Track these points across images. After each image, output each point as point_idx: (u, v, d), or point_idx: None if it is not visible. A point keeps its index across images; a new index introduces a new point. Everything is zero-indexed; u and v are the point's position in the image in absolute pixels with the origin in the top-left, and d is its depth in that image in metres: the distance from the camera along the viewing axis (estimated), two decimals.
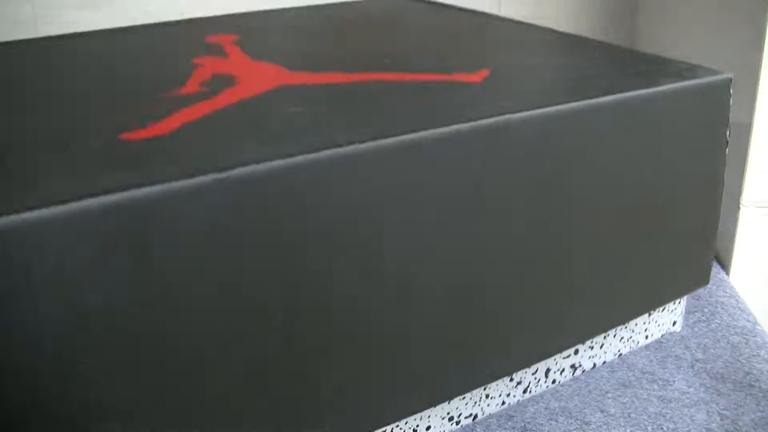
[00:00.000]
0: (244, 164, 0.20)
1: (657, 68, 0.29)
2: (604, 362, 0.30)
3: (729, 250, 0.50)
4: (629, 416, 0.35)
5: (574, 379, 0.34)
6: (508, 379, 0.27)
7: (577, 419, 0.34)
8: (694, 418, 0.35)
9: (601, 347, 0.30)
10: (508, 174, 0.23)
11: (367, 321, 0.22)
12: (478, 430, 0.30)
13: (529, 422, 0.33)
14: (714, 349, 0.41)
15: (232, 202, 0.19)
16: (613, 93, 0.25)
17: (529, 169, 0.24)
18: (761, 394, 0.37)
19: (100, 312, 0.18)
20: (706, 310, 0.45)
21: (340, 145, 0.21)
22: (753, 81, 0.47)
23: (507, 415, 0.33)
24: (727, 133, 0.29)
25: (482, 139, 0.23)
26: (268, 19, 0.40)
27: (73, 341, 0.18)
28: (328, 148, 0.20)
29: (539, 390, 0.28)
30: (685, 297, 0.31)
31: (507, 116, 0.23)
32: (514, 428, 0.33)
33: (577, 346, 0.28)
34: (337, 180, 0.21)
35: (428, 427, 0.25)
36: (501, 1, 0.85)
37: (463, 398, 0.25)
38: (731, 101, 0.29)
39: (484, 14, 0.40)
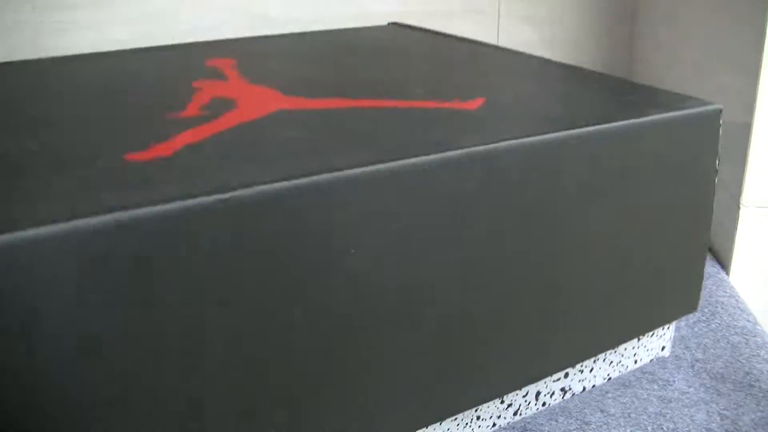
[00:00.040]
0: (245, 186, 0.20)
1: (648, 98, 0.30)
2: (594, 386, 0.30)
3: (729, 250, 0.50)
4: (629, 416, 0.35)
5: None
6: (499, 401, 0.27)
7: (577, 419, 0.34)
8: (694, 418, 0.35)
9: (590, 371, 0.30)
10: (500, 199, 0.24)
11: (360, 342, 0.23)
12: None
13: (529, 422, 0.33)
14: (714, 349, 0.41)
15: (233, 222, 0.20)
16: (604, 122, 0.26)
17: (520, 195, 0.24)
18: (761, 394, 0.37)
19: (101, 328, 0.19)
20: (706, 310, 0.45)
21: (338, 169, 0.21)
22: (753, 81, 0.47)
23: None
24: (717, 162, 0.30)
25: (475, 166, 0.23)
26: (266, 45, 0.41)
27: (73, 358, 0.18)
28: (325, 171, 0.21)
29: (530, 412, 0.28)
30: (674, 322, 0.31)
31: (500, 144, 0.24)
32: (514, 428, 0.33)
33: (567, 370, 0.28)
34: (334, 202, 0.21)
35: None
36: (501, 2, 0.85)
37: (455, 419, 0.25)
38: (720, 131, 0.29)
39: (479, 43, 0.41)
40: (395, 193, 0.22)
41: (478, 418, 0.27)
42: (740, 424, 0.34)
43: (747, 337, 0.42)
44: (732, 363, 0.39)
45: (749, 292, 0.50)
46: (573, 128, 0.25)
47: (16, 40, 0.86)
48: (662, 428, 0.34)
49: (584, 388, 0.30)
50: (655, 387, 0.37)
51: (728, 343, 0.41)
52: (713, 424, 0.34)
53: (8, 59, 0.88)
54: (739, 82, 0.50)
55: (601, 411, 0.35)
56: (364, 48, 0.40)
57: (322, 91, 0.30)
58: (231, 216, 0.20)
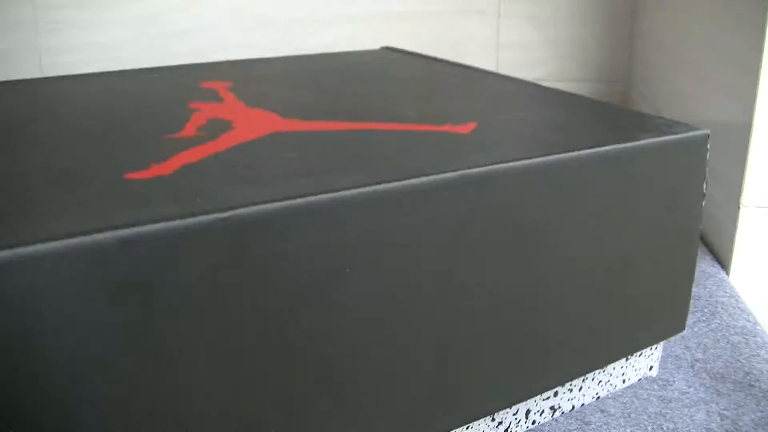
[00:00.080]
0: (244, 205, 0.20)
1: (636, 123, 0.30)
2: (583, 404, 0.31)
3: (729, 250, 0.50)
4: (629, 416, 0.35)
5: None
6: (490, 418, 0.27)
7: (577, 419, 0.34)
8: (694, 418, 0.35)
9: (579, 390, 0.31)
10: (491, 221, 0.25)
11: (353, 360, 0.23)
12: None
13: None
14: (714, 349, 0.41)
15: (232, 241, 0.20)
16: (594, 147, 0.27)
17: (512, 217, 0.25)
18: (761, 394, 0.37)
19: (101, 344, 0.19)
20: (706, 310, 0.45)
21: (334, 190, 0.22)
22: (753, 81, 0.47)
23: None
24: (704, 186, 0.30)
25: (467, 188, 0.24)
26: (261, 68, 0.42)
27: (73, 373, 0.19)
28: (322, 192, 0.21)
29: (520, 430, 0.29)
30: (662, 343, 0.32)
31: (492, 167, 0.24)
32: None
33: (556, 389, 0.29)
34: (330, 223, 0.22)
35: None
36: (501, 2, 0.85)
37: None
38: (708, 153, 0.30)
39: (471, 68, 0.42)
40: (389, 214, 0.23)
41: None
42: (740, 424, 0.34)
43: (747, 337, 0.42)
44: (732, 363, 0.39)
45: (749, 292, 0.50)
46: (564, 152, 0.26)
47: (16, 40, 0.86)
48: (662, 428, 0.34)
49: (573, 407, 0.31)
50: (655, 387, 0.37)
51: (728, 343, 0.41)
52: (713, 424, 0.34)
53: (8, 59, 0.88)
54: (739, 82, 0.50)
55: (601, 411, 0.35)
56: (357, 72, 0.41)
57: (318, 114, 0.31)
58: (230, 235, 0.20)
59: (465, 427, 0.27)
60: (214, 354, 0.21)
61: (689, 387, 0.37)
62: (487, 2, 0.85)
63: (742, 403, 0.36)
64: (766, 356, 0.40)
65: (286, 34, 0.86)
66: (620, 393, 0.36)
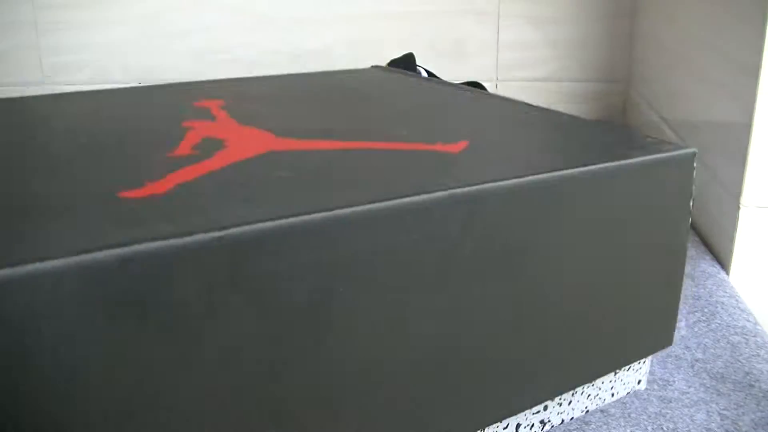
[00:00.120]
0: (239, 224, 0.21)
1: (624, 141, 0.31)
2: (572, 418, 0.31)
3: (729, 250, 0.50)
4: (629, 416, 0.35)
5: None
6: None
7: (577, 419, 0.34)
8: (694, 418, 0.35)
9: (569, 404, 0.31)
10: (480, 240, 0.25)
11: (347, 375, 0.24)
12: None
13: None
14: (714, 349, 0.41)
15: (227, 260, 0.20)
16: (580, 166, 0.27)
17: (500, 236, 0.25)
18: (761, 394, 0.37)
19: (97, 364, 0.19)
20: (706, 310, 0.45)
21: (328, 209, 0.22)
22: (753, 81, 0.47)
23: None
24: (691, 203, 0.31)
25: (457, 207, 0.24)
26: (252, 87, 0.43)
27: (72, 391, 0.19)
28: (316, 211, 0.22)
29: None
30: (650, 357, 0.32)
31: (481, 186, 0.25)
32: None
33: (546, 403, 0.29)
34: (324, 241, 0.22)
35: None
36: (501, 1, 0.85)
37: None
38: (695, 171, 0.31)
39: (460, 87, 0.42)
40: (381, 233, 0.23)
41: None
42: (740, 424, 0.34)
43: (747, 337, 0.42)
44: (732, 363, 0.39)
45: (749, 292, 0.50)
46: (552, 171, 0.26)
47: (16, 40, 0.86)
48: (662, 428, 0.34)
49: (563, 420, 0.32)
50: (655, 387, 0.37)
51: (728, 343, 0.41)
52: (713, 424, 0.34)
53: (8, 59, 0.89)
54: (739, 82, 0.50)
55: (601, 411, 0.35)
56: (348, 91, 0.41)
57: (311, 133, 0.31)
58: (225, 254, 0.20)
59: None
60: (209, 371, 0.21)
61: (689, 387, 0.37)
62: (487, 2, 0.85)
63: (742, 403, 0.36)
64: (766, 356, 0.40)
65: (286, 34, 0.86)
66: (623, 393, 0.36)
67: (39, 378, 0.18)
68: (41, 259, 0.18)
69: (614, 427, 0.34)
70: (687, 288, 0.47)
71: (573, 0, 0.85)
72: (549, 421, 0.31)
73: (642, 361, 0.34)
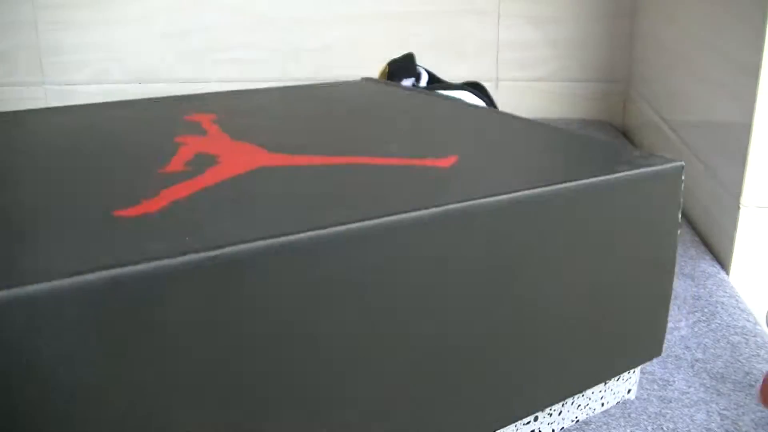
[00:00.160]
0: (232, 243, 0.21)
1: (612, 156, 0.31)
2: (563, 428, 0.32)
3: (729, 250, 0.50)
4: (629, 416, 0.35)
5: None
6: None
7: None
8: (694, 418, 0.35)
9: (559, 414, 0.32)
10: (469, 255, 0.25)
11: (340, 392, 0.24)
12: None
13: None
14: (714, 349, 0.41)
15: (221, 279, 0.21)
16: (569, 181, 0.27)
17: (489, 250, 0.26)
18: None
19: (95, 382, 0.19)
20: (706, 310, 0.45)
21: (322, 227, 0.22)
22: (753, 81, 0.47)
23: None
24: (679, 216, 0.31)
25: (446, 224, 0.25)
26: (243, 100, 0.43)
27: (70, 411, 0.19)
28: (309, 230, 0.22)
29: None
30: (639, 367, 0.33)
31: (471, 203, 0.25)
32: None
33: (536, 413, 0.30)
34: (315, 260, 0.22)
35: None
36: (501, 1, 0.85)
37: None
38: (683, 183, 0.31)
39: (450, 99, 0.43)
40: (372, 251, 0.23)
41: None
42: (740, 424, 0.34)
43: (747, 337, 0.42)
44: (732, 363, 0.39)
45: (749, 292, 0.50)
46: (540, 187, 0.27)
47: (16, 40, 0.86)
48: (662, 428, 0.34)
49: (553, 431, 0.32)
50: (655, 387, 0.37)
51: (728, 343, 0.41)
52: (713, 424, 0.34)
53: (8, 59, 0.89)
54: (739, 82, 0.50)
55: (602, 411, 0.35)
56: (339, 104, 0.42)
57: (302, 148, 0.32)
58: (219, 273, 0.21)
59: None
60: (204, 390, 0.21)
61: (689, 387, 0.37)
62: (487, 2, 0.85)
63: (742, 403, 0.36)
64: (766, 356, 0.40)
65: (286, 34, 0.86)
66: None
67: (36, 400, 0.18)
68: (37, 281, 0.18)
69: (614, 427, 0.34)
70: (687, 288, 0.47)
71: (573, 0, 0.85)
72: (540, 431, 0.32)
73: (632, 371, 0.34)
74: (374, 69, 0.85)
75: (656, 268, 0.31)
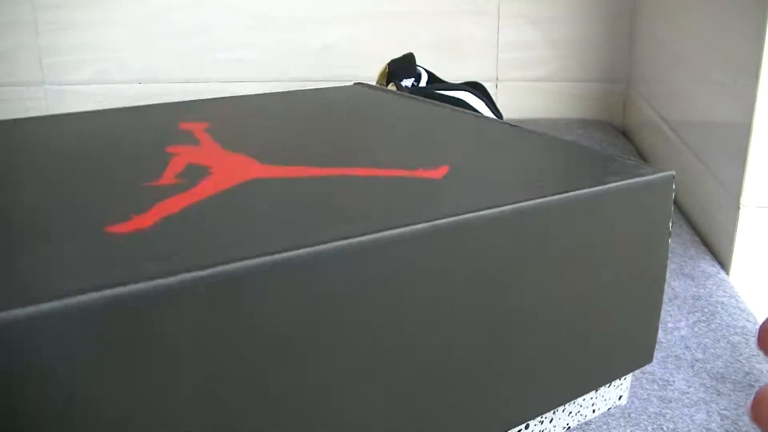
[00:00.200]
0: (224, 262, 0.21)
1: (603, 166, 0.32)
2: None
3: (729, 250, 0.50)
4: (629, 416, 0.35)
5: None
6: None
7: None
8: (694, 418, 0.35)
9: (550, 421, 0.32)
10: (462, 268, 0.26)
11: (335, 407, 0.24)
12: None
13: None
14: (714, 349, 0.41)
15: (214, 299, 0.21)
16: (560, 193, 0.28)
17: (481, 263, 0.26)
18: None
19: (88, 407, 0.19)
20: (706, 310, 0.45)
21: (314, 245, 0.22)
22: (753, 81, 0.47)
23: None
24: (670, 224, 0.32)
25: (438, 239, 0.25)
26: (237, 107, 0.43)
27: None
28: (302, 247, 0.22)
29: None
30: (630, 374, 0.34)
31: (461, 217, 0.25)
32: None
33: (528, 422, 0.30)
34: (310, 277, 0.22)
35: None
36: (501, 1, 0.85)
37: None
38: (674, 192, 0.31)
39: (442, 106, 0.43)
40: (364, 267, 0.24)
41: None
42: (740, 424, 0.34)
43: (747, 337, 0.42)
44: (732, 363, 0.39)
45: (749, 292, 0.50)
46: (532, 199, 0.27)
47: (16, 40, 0.86)
48: (662, 428, 0.34)
49: None
50: (655, 387, 0.37)
51: (728, 343, 0.41)
52: (713, 424, 0.34)
53: (8, 59, 0.89)
54: (739, 82, 0.50)
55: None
56: (331, 111, 0.42)
57: (294, 159, 0.32)
58: (211, 292, 0.21)
59: None
60: (199, 408, 0.21)
61: (689, 387, 0.37)
62: (487, 2, 0.85)
63: (742, 403, 0.36)
64: (766, 356, 0.40)
65: (286, 34, 0.86)
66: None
67: (34, 411, 0.18)
68: (31, 303, 0.18)
69: (614, 427, 0.34)
70: (687, 288, 0.47)
71: (573, 0, 0.85)
72: None
73: (623, 377, 0.34)
74: (374, 69, 0.85)
75: (647, 276, 0.32)
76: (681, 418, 0.35)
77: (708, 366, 0.39)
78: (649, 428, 0.34)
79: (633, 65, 0.84)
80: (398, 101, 0.44)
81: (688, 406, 0.36)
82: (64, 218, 0.25)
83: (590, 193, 0.28)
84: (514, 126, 0.38)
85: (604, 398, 0.34)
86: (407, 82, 0.62)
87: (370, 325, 0.24)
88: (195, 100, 0.44)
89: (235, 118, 0.40)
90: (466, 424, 0.28)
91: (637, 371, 0.36)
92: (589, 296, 0.30)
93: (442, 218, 0.25)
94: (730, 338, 0.42)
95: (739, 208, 0.49)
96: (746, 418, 0.35)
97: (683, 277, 0.49)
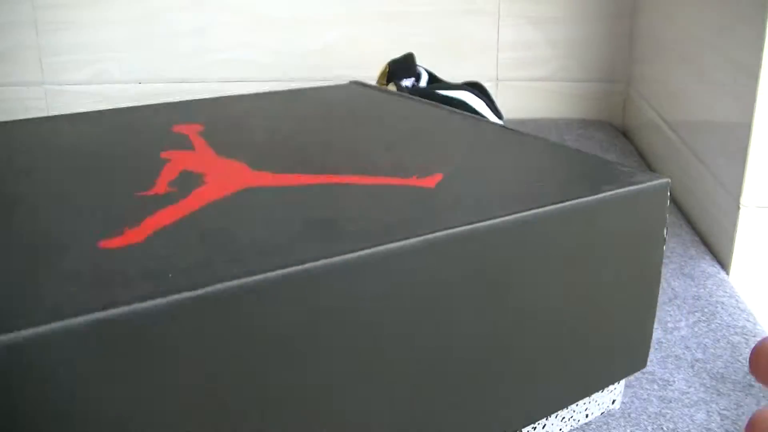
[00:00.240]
0: (216, 281, 0.21)
1: (597, 173, 0.32)
2: None
3: (729, 250, 0.50)
4: (629, 416, 0.35)
5: None
6: None
7: None
8: (694, 418, 0.35)
9: (543, 427, 0.32)
10: (455, 279, 0.26)
11: (330, 401, 0.24)
12: None
13: None
14: (714, 349, 0.41)
15: (205, 317, 0.21)
16: (554, 203, 0.28)
17: (474, 273, 0.26)
18: (761, 394, 0.37)
19: (86, 424, 0.19)
20: (706, 310, 0.45)
21: (305, 262, 0.22)
22: (753, 81, 0.47)
23: None
24: (665, 232, 0.32)
25: (431, 252, 0.25)
26: (231, 107, 0.43)
27: None
28: (293, 265, 0.22)
29: None
30: (624, 380, 0.34)
31: (455, 230, 0.25)
32: None
33: (522, 429, 0.31)
34: (302, 294, 0.23)
35: None
36: (501, 1, 0.85)
37: None
38: (669, 199, 0.31)
39: (439, 107, 0.43)
40: (356, 283, 0.24)
41: None
42: (740, 424, 0.34)
43: (747, 337, 0.42)
44: (732, 363, 0.39)
45: (749, 292, 0.50)
46: (525, 211, 0.27)
47: (16, 40, 0.86)
48: (662, 428, 0.34)
49: None
50: (655, 387, 0.37)
51: (728, 343, 0.41)
52: (713, 424, 0.34)
53: (8, 59, 0.88)
54: (739, 82, 0.50)
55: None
56: (326, 112, 0.42)
57: (286, 165, 0.32)
58: (203, 311, 0.21)
59: None
60: (199, 408, 0.21)
61: (689, 387, 0.37)
62: (487, 2, 0.85)
63: (742, 403, 0.36)
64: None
65: (286, 34, 0.86)
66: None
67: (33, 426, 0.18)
68: (27, 326, 0.18)
69: (614, 427, 0.34)
70: (687, 288, 0.47)
71: (573, 0, 0.85)
72: None
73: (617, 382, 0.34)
74: (374, 69, 0.85)
75: (642, 283, 0.32)
76: (681, 418, 0.35)
77: (708, 366, 0.39)
78: (649, 428, 0.34)
79: (633, 65, 0.84)
80: (393, 101, 0.44)
81: (688, 406, 0.36)
82: (58, 231, 0.25)
83: (583, 203, 0.28)
84: (509, 129, 0.38)
85: (597, 403, 0.34)
86: (407, 82, 0.62)
87: (370, 330, 0.24)
88: (189, 100, 0.44)
89: (230, 120, 0.39)
90: (466, 426, 0.28)
91: (622, 382, 0.36)
92: (583, 303, 0.30)
93: (433, 233, 0.25)
94: (730, 338, 0.42)
95: (739, 208, 0.49)
96: (746, 418, 0.35)
97: (683, 277, 0.49)
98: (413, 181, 0.30)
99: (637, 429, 0.34)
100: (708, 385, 0.37)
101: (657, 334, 0.42)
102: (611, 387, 0.34)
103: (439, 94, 0.58)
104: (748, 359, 0.39)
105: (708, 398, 0.36)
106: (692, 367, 0.39)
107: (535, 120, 0.87)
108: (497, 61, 0.87)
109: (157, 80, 0.88)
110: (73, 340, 0.19)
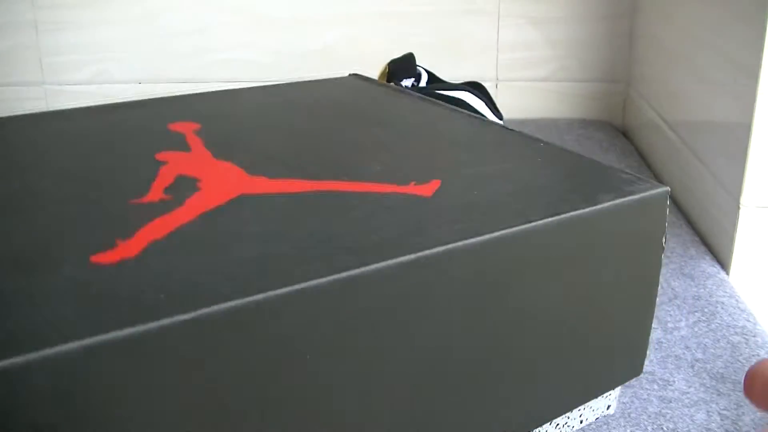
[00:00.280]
0: (208, 304, 0.21)
1: (597, 181, 0.31)
2: None
3: (729, 250, 0.50)
4: (629, 416, 0.35)
5: None
6: None
7: None
8: (694, 418, 0.35)
9: None
10: (451, 292, 0.25)
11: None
12: None
13: None
14: (714, 349, 0.41)
15: (198, 340, 0.21)
16: (553, 215, 0.27)
17: (471, 284, 0.26)
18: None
19: None
20: (706, 310, 0.45)
21: (294, 282, 0.22)
22: (753, 81, 0.47)
23: None
24: (664, 240, 0.31)
25: (428, 266, 0.25)
26: (228, 103, 0.42)
27: None
28: (285, 285, 0.22)
29: None
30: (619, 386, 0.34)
31: (451, 246, 0.25)
32: None
33: None
34: (289, 315, 0.22)
35: None
36: (501, 1, 0.85)
37: None
38: (668, 208, 0.31)
39: (438, 104, 0.43)
40: (352, 298, 0.23)
41: None
42: (740, 424, 0.34)
43: (747, 337, 0.42)
44: (732, 363, 0.39)
45: (749, 292, 0.50)
46: (524, 224, 0.27)
47: (16, 40, 0.86)
48: (662, 428, 0.34)
49: None
50: (655, 387, 0.37)
51: (728, 343, 0.41)
52: (713, 424, 0.34)
53: (8, 59, 0.88)
54: (739, 82, 0.50)
55: None
56: (324, 110, 0.41)
57: (282, 170, 0.31)
58: (195, 333, 0.21)
59: None
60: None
61: (689, 387, 0.37)
62: (487, 2, 0.85)
63: (742, 403, 0.36)
64: (766, 356, 0.40)
65: (286, 34, 0.86)
66: (620, 393, 0.36)
67: None
68: (14, 355, 0.18)
69: (614, 427, 0.34)
70: (687, 288, 0.47)
71: (573, 0, 0.85)
72: None
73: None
74: (374, 69, 0.85)
75: (639, 290, 0.32)
76: (681, 418, 0.35)
77: (708, 366, 0.39)
78: (649, 428, 0.34)
79: (633, 65, 0.84)
80: (392, 97, 0.44)
81: (688, 406, 0.36)
82: (50, 244, 0.24)
83: (580, 215, 0.28)
84: (509, 130, 0.38)
85: (592, 408, 0.34)
86: (407, 82, 0.62)
87: (370, 334, 0.24)
88: (186, 95, 0.43)
89: (227, 117, 0.39)
90: (466, 428, 0.28)
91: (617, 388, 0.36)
92: (580, 311, 0.30)
93: (425, 250, 0.25)
94: (730, 338, 0.42)
95: (739, 208, 0.49)
96: (746, 419, 0.35)
97: (683, 277, 0.49)
98: (411, 189, 0.29)
99: (637, 429, 0.34)
100: (708, 385, 0.37)
101: (657, 334, 0.42)
102: (606, 393, 0.34)
103: (438, 94, 0.58)
104: (747, 359, 0.39)
105: (708, 398, 0.36)
106: (692, 367, 0.39)
107: (535, 120, 0.86)
108: (497, 61, 0.87)
109: (157, 80, 0.88)
110: (66, 365, 0.19)
